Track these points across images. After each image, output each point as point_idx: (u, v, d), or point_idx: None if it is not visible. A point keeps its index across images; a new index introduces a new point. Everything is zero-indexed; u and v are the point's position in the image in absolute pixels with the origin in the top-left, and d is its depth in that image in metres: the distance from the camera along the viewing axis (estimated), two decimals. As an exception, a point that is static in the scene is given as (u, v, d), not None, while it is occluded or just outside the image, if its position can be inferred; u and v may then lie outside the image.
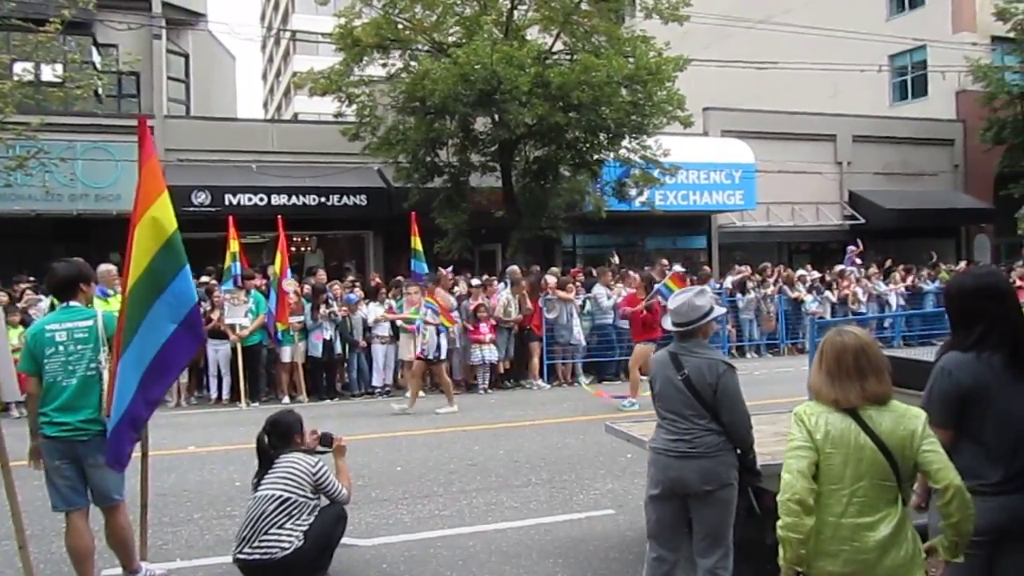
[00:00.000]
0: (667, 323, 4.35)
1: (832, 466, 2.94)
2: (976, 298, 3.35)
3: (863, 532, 2.89)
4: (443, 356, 11.71)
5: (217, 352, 12.55)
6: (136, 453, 5.06)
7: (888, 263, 19.70)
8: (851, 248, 19.96)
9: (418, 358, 11.48)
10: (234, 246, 13.00)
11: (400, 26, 17.45)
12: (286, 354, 12.64)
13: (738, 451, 4.15)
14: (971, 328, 3.30)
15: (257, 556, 4.74)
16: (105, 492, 4.84)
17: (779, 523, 2.96)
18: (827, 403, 3.04)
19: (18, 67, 15.34)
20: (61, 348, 4.76)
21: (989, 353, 3.24)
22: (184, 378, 12.12)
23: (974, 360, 3.25)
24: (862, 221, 23.23)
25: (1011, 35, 23.19)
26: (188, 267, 5.09)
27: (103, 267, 10.68)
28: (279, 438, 5.17)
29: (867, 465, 2.91)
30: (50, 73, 15.96)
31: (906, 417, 2.97)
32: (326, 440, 5.42)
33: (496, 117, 16.38)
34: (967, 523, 2.91)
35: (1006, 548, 3.17)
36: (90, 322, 4.84)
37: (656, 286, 11.15)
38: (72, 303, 4.95)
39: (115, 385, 4.73)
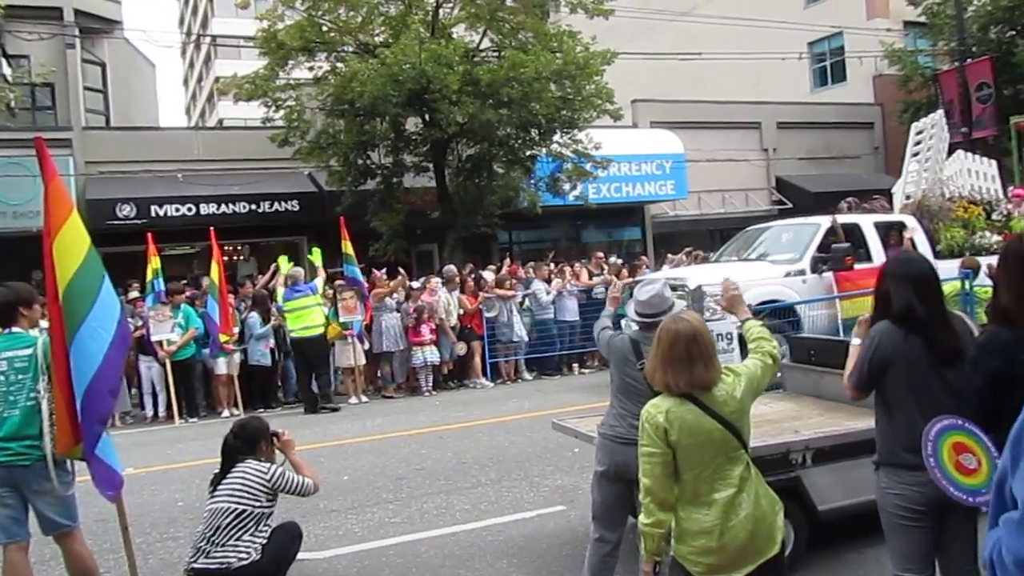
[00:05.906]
0: (631, 312, 4.34)
1: (691, 455, 3.13)
2: (902, 280, 3.44)
3: (727, 504, 3.13)
4: None
5: (150, 369, 12.24)
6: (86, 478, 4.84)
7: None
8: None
9: None
10: (155, 262, 12.61)
11: (325, 28, 17.20)
12: (221, 366, 12.35)
13: None
14: (893, 305, 3.41)
15: (213, 566, 4.67)
16: (51, 519, 4.62)
17: (641, 519, 3.21)
18: (660, 388, 3.23)
19: (-77, 83, 14.67)
20: (1, 378, 4.56)
21: (907, 331, 3.35)
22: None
23: (897, 333, 3.35)
24: (789, 206, 23.68)
25: (922, 19, 23.99)
26: (107, 278, 4.78)
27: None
28: (245, 443, 5.06)
29: (719, 445, 3.15)
30: (-42, 87, 15.29)
31: (732, 388, 3.21)
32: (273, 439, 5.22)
33: (427, 117, 16.29)
34: None
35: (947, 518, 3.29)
36: (29, 350, 4.62)
37: None
38: (14, 329, 4.73)
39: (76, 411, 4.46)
